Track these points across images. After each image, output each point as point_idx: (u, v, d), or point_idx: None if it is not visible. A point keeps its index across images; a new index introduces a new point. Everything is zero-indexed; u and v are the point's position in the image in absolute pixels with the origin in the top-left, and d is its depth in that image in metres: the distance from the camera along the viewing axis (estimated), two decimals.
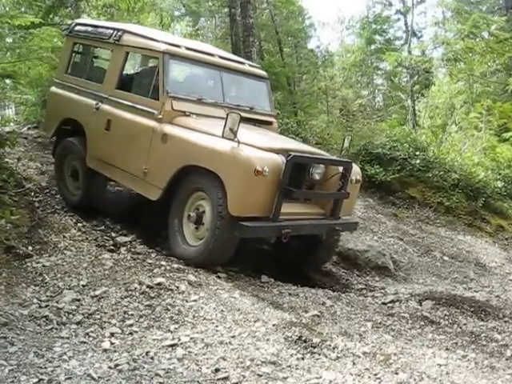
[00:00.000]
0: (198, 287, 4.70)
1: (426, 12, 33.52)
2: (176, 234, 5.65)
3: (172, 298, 4.40)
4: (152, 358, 3.51)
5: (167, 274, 4.88)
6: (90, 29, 7.19)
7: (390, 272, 7.01)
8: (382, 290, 6.15)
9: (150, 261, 5.28)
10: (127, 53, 6.59)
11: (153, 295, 4.40)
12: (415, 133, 14.43)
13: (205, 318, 4.14)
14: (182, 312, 4.20)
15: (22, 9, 11.73)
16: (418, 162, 10.69)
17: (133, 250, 5.67)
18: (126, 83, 6.58)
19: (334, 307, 4.99)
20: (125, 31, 6.62)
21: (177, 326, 4.01)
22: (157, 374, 3.32)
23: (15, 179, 6.18)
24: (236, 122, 5.10)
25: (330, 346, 3.96)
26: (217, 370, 3.44)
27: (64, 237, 5.62)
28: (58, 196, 7.08)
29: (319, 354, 3.84)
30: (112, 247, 5.70)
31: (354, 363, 3.78)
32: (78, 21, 7.78)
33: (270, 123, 6.89)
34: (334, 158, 6.41)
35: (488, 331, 4.90)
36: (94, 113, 6.56)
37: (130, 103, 6.25)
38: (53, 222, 5.96)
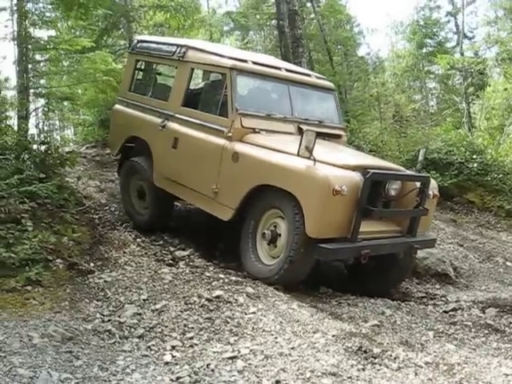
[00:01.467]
0: (257, 299, 4.72)
1: (477, 12, 32.82)
2: (249, 251, 5.50)
3: (231, 310, 4.43)
4: (213, 371, 3.54)
5: (226, 287, 4.92)
6: (152, 45, 7.16)
7: (451, 279, 6.86)
8: (443, 298, 6.02)
9: (208, 274, 5.34)
10: (192, 69, 6.51)
11: (212, 308, 4.44)
12: (471, 136, 14.13)
13: (264, 330, 4.15)
14: (241, 324, 4.22)
15: (77, 33, 12.15)
16: (475, 165, 10.45)
17: (191, 263, 5.75)
18: (192, 100, 6.45)
19: (394, 316, 4.92)
20: (189, 47, 6.55)
21: (236, 338, 4.04)
22: None
23: (76, 198, 6.38)
24: (312, 140, 4.95)
25: (390, 356, 3.90)
26: (277, 382, 3.44)
27: (124, 252, 5.76)
28: (117, 213, 7.24)
29: (380, 365, 3.79)
30: (171, 261, 5.79)
31: (416, 374, 3.71)
32: (140, 37, 7.73)
33: (339, 136, 6.67)
34: (412, 173, 6.21)
35: None
36: (159, 131, 6.50)
37: (197, 121, 6.14)
38: (113, 238, 6.11)
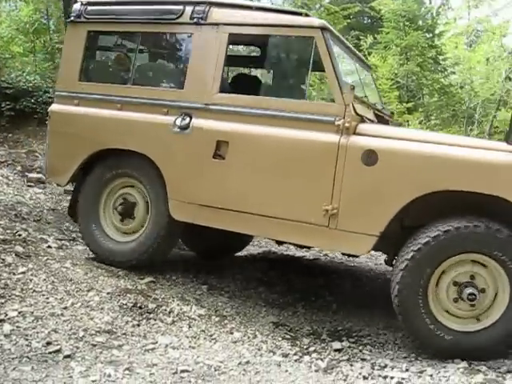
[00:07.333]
0: (27, 258, 4.44)
1: None
2: (419, 314, 3.70)
3: None
4: None
5: None
6: (121, 8, 4.96)
7: None
8: None
9: None
10: (231, 35, 4.48)
11: None
12: None
13: (34, 291, 3.94)
14: (8, 285, 3.94)
15: None
16: None
17: None
18: (237, 83, 4.81)
19: (169, 273, 4.97)
20: (211, 3, 4.58)
21: (3, 300, 3.77)
22: None
23: None
24: None
25: (165, 310, 4.00)
26: (48, 344, 3.31)
27: None
28: None
29: (155, 320, 3.86)
30: None
31: (189, 326, 3.86)
32: None
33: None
34: None
35: None
36: (175, 134, 4.48)
37: (266, 112, 4.25)
38: None
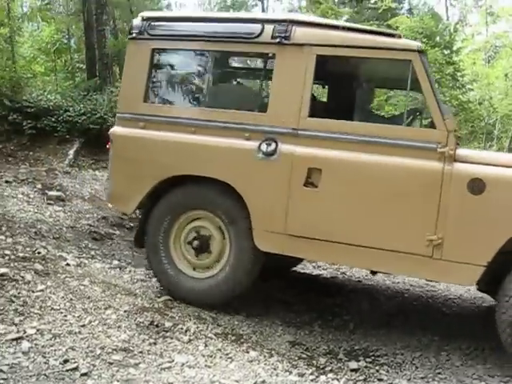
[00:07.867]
0: (46, 276, 4.50)
1: None
2: None
3: (17, 288, 4.17)
4: None
5: (12, 264, 4.61)
6: (186, 24, 4.63)
7: None
8: None
9: None
10: (319, 57, 4.18)
11: None
12: None
13: (52, 308, 3.99)
14: (27, 303, 4.00)
15: None
16: None
17: None
18: (324, 107, 4.59)
19: None
20: (294, 22, 4.29)
21: (22, 318, 3.82)
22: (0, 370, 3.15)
23: None
24: None
25: (182, 329, 4.00)
26: (65, 361, 3.34)
27: None
28: None
29: (171, 338, 3.87)
30: None
31: (206, 345, 3.85)
32: (153, 14, 4.92)
33: None
34: None
35: None
36: (260, 161, 4.21)
37: (359, 138, 4.05)
38: None
